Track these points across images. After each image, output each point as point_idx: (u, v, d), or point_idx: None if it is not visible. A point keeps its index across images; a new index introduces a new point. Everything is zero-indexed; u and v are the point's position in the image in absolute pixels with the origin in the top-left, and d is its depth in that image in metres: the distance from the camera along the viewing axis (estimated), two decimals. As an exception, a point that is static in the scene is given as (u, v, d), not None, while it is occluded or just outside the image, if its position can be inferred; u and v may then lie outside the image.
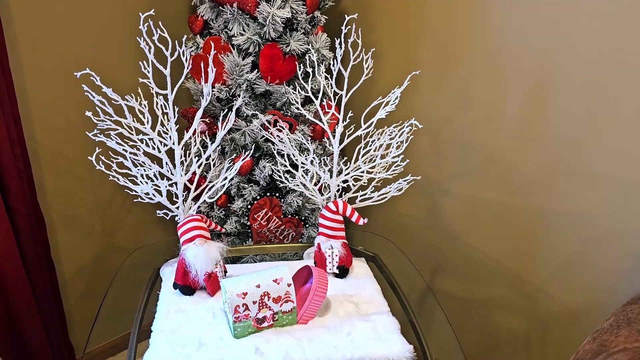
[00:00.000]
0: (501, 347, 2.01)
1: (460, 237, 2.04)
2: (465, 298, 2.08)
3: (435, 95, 1.87)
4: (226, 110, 1.78)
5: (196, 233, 1.42)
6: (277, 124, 1.80)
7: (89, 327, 1.53)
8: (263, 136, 1.79)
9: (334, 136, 1.53)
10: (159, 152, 1.40)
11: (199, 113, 1.46)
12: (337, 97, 1.52)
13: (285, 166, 1.60)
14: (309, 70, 1.67)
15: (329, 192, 1.57)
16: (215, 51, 1.72)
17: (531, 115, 1.66)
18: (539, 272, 1.83)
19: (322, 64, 1.78)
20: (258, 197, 1.88)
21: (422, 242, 2.18)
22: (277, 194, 1.91)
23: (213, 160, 1.57)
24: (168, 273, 1.55)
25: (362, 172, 1.56)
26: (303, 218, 1.97)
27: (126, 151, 1.37)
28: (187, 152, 1.52)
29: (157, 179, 1.44)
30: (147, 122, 1.39)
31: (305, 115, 1.72)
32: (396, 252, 1.86)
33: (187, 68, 1.38)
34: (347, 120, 1.51)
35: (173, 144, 1.45)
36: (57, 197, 1.95)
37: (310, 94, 1.54)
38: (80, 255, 2.09)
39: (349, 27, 1.44)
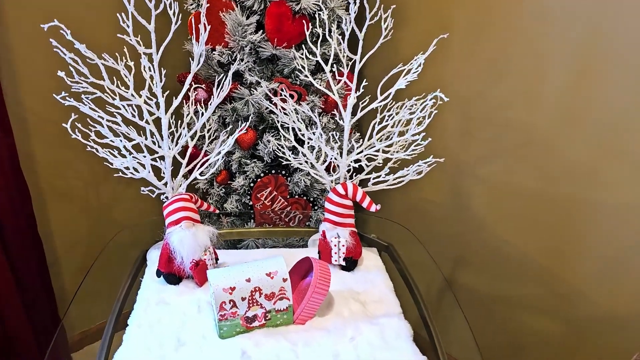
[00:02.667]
0: (528, 351, 1.81)
1: (488, 227, 1.83)
2: (489, 295, 1.88)
3: (465, 65, 1.64)
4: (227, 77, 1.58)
5: (183, 215, 1.24)
6: (282, 93, 1.60)
7: (84, 305, 1.39)
8: (268, 106, 1.59)
9: (345, 108, 1.32)
10: (142, 119, 1.22)
11: (190, 76, 1.26)
12: (350, 64, 1.31)
13: (290, 141, 1.41)
14: (321, 32, 1.46)
15: (338, 172, 1.37)
16: (213, 7, 1.52)
17: (577, 91, 1.42)
18: (578, 271, 1.62)
19: (336, 25, 1.56)
20: (262, 175, 1.69)
21: (444, 232, 1.97)
22: (283, 172, 1.72)
23: (214, 130, 1.39)
24: (154, 257, 1.38)
25: (377, 151, 1.35)
26: (311, 199, 1.78)
27: (102, 118, 1.19)
28: (181, 122, 1.34)
29: (144, 152, 1.26)
30: (131, 86, 1.21)
31: (315, 85, 1.51)
32: (413, 242, 1.66)
33: (175, 24, 1.19)
34: (361, 91, 1.30)
35: (160, 111, 1.26)
36: (48, 168, 1.81)
37: (320, 59, 1.33)
38: (73, 230, 1.95)
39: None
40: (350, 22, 1.22)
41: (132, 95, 1.21)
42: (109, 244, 1.50)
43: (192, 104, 1.36)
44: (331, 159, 1.35)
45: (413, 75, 1.26)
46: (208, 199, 1.74)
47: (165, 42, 1.20)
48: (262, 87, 1.56)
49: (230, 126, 1.64)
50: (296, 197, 1.76)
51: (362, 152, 1.36)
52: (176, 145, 1.33)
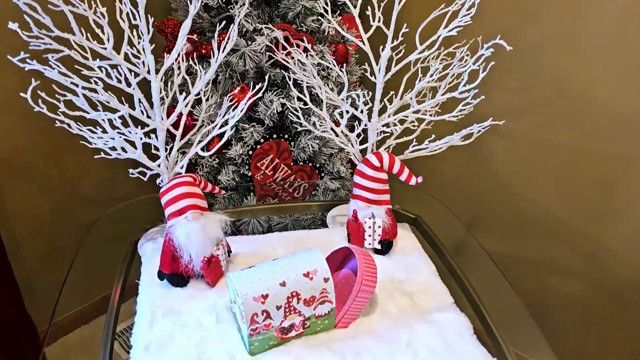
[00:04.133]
0: (553, 314, 1.70)
1: (512, 186, 1.66)
2: (510, 256, 1.74)
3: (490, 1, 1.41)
4: (222, 24, 1.29)
5: (188, 203, 1.00)
6: (289, 42, 1.33)
7: (54, 294, 1.14)
8: (270, 59, 1.32)
9: (368, 60, 1.08)
10: (129, 86, 0.94)
11: (186, 24, 0.98)
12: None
13: (305, 103, 1.16)
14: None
15: (364, 140, 1.15)
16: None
17: (623, 34, 1.23)
18: (613, 231, 1.49)
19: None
20: (262, 141, 1.44)
21: (459, 190, 1.80)
22: (287, 136, 1.47)
23: (205, 93, 1.12)
24: (149, 252, 1.14)
25: (417, 112, 1.12)
26: (318, 166, 1.55)
27: (77, 85, 0.90)
28: (169, 83, 1.07)
29: (130, 126, 0.99)
30: (109, 40, 0.92)
31: (325, 31, 1.24)
32: (433, 206, 1.48)
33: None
34: (400, 39, 1.06)
35: (148, 72, 0.98)
36: (-2, 141, 1.49)
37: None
38: (35, 211, 1.66)
39: None
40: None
41: (111, 52, 0.93)
42: (88, 236, 1.23)
43: (183, 60, 1.08)
44: (362, 125, 1.12)
45: (466, 18, 1.02)
46: (198, 171, 1.48)
47: (153, -20, 0.90)
48: (263, 36, 1.29)
49: (232, 86, 1.37)
50: (300, 164, 1.52)
51: (395, 114, 1.14)
52: (168, 115, 1.06)
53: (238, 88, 1.35)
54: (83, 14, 0.87)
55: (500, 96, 1.55)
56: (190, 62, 1.14)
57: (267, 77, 1.32)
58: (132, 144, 0.99)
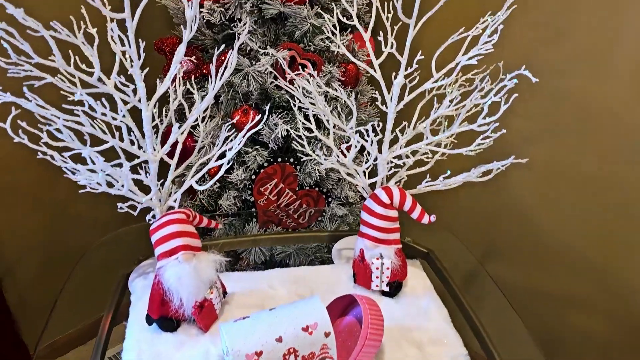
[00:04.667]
0: (572, 352, 1.59)
1: (531, 215, 1.56)
2: (526, 288, 1.64)
3: (514, 19, 1.31)
4: (222, 45, 1.21)
5: (179, 243, 0.91)
6: (295, 62, 1.25)
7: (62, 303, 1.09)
8: (275, 79, 1.24)
9: (384, 86, 0.99)
10: (114, 119, 0.86)
11: (182, 48, 0.90)
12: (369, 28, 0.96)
13: (311, 130, 1.07)
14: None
15: (373, 171, 1.06)
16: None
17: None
18: (637, 267, 1.38)
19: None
20: (266, 165, 1.36)
21: (475, 217, 1.70)
22: (292, 160, 1.39)
23: (202, 119, 1.04)
24: (140, 289, 1.06)
25: (427, 144, 1.03)
26: (325, 191, 1.46)
27: (58, 117, 0.83)
28: (164, 107, 0.99)
29: (120, 156, 0.91)
30: (96, 66, 0.84)
31: (335, 52, 1.15)
32: (446, 238, 1.39)
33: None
34: (414, 67, 0.97)
35: (139, 100, 0.90)
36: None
37: (355, 18, 0.98)
38: (25, 233, 1.59)
39: None
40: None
41: (100, 79, 0.85)
42: (76, 267, 1.16)
43: (180, 85, 1.00)
44: (372, 158, 1.03)
45: (487, 46, 0.92)
46: (197, 195, 1.41)
47: (143, 3, 0.82)
48: (267, 56, 1.20)
49: (225, 105, 1.29)
50: (307, 188, 1.44)
51: (407, 145, 1.05)
52: (162, 142, 0.98)
53: (241, 110, 1.27)
54: (66, 39, 0.79)
55: (520, 120, 1.45)
56: (188, 86, 1.05)
57: (272, 100, 1.25)
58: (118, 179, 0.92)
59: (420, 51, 0.94)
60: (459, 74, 1.00)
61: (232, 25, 1.20)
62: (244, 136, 0.98)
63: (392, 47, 0.95)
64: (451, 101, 0.97)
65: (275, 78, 1.26)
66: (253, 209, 1.41)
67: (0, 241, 1.52)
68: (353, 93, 1.38)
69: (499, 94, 0.93)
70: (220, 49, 0.94)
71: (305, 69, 1.25)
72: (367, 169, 1.04)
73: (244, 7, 1.15)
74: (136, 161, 0.94)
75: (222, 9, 1.19)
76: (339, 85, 1.33)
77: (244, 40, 1.21)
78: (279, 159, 1.38)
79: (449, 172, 1.02)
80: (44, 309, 1.55)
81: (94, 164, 0.85)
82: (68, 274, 1.17)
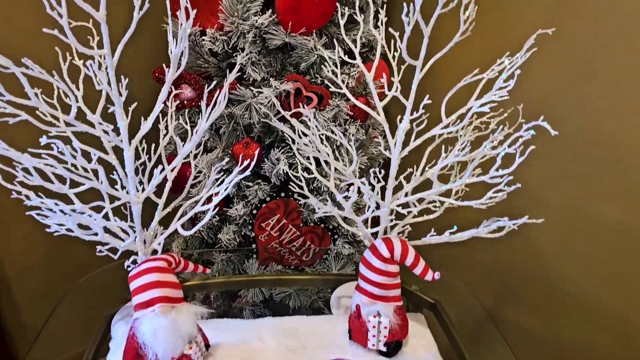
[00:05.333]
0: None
1: (547, 260, 1.45)
2: (541, 337, 1.52)
3: (537, 55, 1.22)
4: (226, 73, 1.16)
5: (157, 294, 0.85)
6: (301, 95, 1.18)
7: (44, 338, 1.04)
8: (278, 113, 1.17)
9: (390, 131, 0.91)
10: (90, 161, 0.81)
11: (164, 90, 0.84)
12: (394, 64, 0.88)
13: (309, 171, 0.99)
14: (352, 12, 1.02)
15: (370, 217, 0.97)
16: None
17: None
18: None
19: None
20: (268, 199, 1.29)
21: (488, 259, 1.59)
22: (295, 195, 1.31)
23: (195, 156, 0.97)
24: (120, 335, 1.00)
25: (433, 193, 0.94)
26: (331, 227, 1.38)
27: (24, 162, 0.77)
28: (155, 146, 0.93)
29: (106, 199, 0.85)
30: (73, 105, 0.79)
31: (345, 82, 1.07)
32: (455, 287, 1.29)
33: (140, 9, 0.75)
34: (420, 112, 0.88)
35: (121, 141, 0.84)
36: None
37: (357, 55, 0.90)
38: (26, 253, 1.56)
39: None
40: (414, 11, 0.78)
41: (74, 120, 0.79)
42: (62, 301, 1.11)
43: (172, 119, 0.94)
44: (371, 204, 0.95)
45: (502, 92, 0.83)
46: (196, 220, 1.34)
47: (126, 38, 0.77)
48: (270, 88, 1.14)
49: (226, 137, 1.23)
50: (311, 225, 1.36)
51: (411, 193, 0.96)
52: (148, 181, 0.92)
53: (242, 143, 1.20)
54: (39, 77, 0.74)
55: (540, 161, 1.34)
56: (180, 121, 0.99)
57: (275, 133, 1.18)
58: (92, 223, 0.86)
59: (427, 95, 0.86)
60: (473, 117, 0.91)
61: (234, 54, 1.14)
62: (230, 181, 0.90)
63: (397, 90, 0.87)
64: (461, 149, 0.88)
65: (279, 111, 1.19)
66: (253, 245, 1.34)
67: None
68: (363, 127, 1.30)
69: (514, 145, 0.84)
70: (212, 85, 0.88)
71: (310, 102, 1.18)
72: (368, 217, 0.96)
73: (246, 36, 1.09)
74: (117, 203, 0.88)
75: (225, 38, 1.12)
76: (349, 119, 1.25)
77: (247, 70, 1.14)
78: (282, 194, 1.30)
79: (455, 228, 0.92)
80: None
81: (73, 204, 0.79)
82: (52, 310, 1.12)
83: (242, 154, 1.20)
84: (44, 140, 0.72)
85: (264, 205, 1.29)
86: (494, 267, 1.57)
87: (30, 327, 1.66)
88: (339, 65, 0.93)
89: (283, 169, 1.21)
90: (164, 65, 1.16)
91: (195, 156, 0.99)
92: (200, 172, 1.24)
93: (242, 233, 1.32)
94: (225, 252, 1.32)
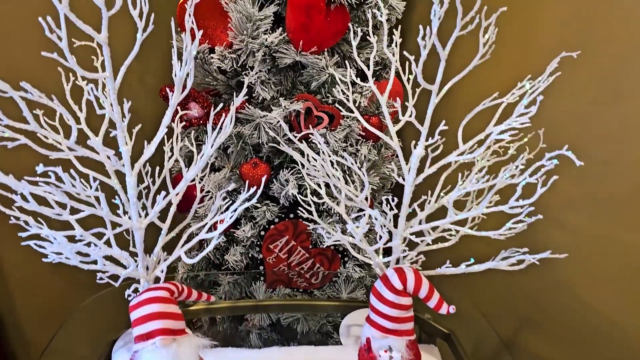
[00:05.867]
0: None
1: (571, 287, 1.39)
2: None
3: (566, 77, 1.17)
4: (237, 93, 1.13)
5: (158, 326, 0.81)
6: (311, 114, 1.14)
7: None
8: (286, 134, 1.14)
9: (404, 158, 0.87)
10: (90, 186, 0.77)
11: (168, 113, 0.81)
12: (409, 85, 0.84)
13: (318, 195, 0.96)
14: (364, 30, 0.99)
15: (383, 247, 0.93)
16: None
17: None
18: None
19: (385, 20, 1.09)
20: (276, 221, 1.25)
21: (507, 284, 1.53)
22: (305, 216, 1.27)
23: (200, 179, 0.94)
24: (121, 365, 0.96)
25: (448, 222, 0.90)
26: (341, 249, 1.34)
27: (20, 189, 0.74)
28: (159, 169, 0.90)
29: (107, 226, 0.82)
30: (74, 130, 0.76)
31: (356, 102, 1.03)
32: (471, 315, 1.24)
33: (143, 31, 0.72)
34: (436, 138, 0.84)
35: (123, 165, 0.81)
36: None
37: (368, 74, 0.86)
38: (31, 269, 1.53)
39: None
40: (431, 34, 0.75)
41: (74, 144, 0.76)
42: (64, 325, 1.08)
43: (177, 141, 0.91)
44: (383, 232, 0.90)
45: (524, 119, 0.79)
46: (204, 247, 1.31)
47: (128, 60, 0.74)
48: (280, 107, 1.10)
49: (235, 156, 1.19)
50: (321, 247, 1.32)
51: (425, 221, 0.91)
52: (152, 205, 0.88)
53: (250, 163, 1.17)
54: (38, 101, 0.71)
55: (565, 182, 1.29)
56: (186, 142, 0.96)
57: (284, 154, 1.15)
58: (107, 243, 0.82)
59: (444, 121, 0.81)
60: (492, 142, 0.86)
61: (243, 72, 1.11)
62: (235, 210, 0.87)
63: (411, 115, 0.83)
64: (478, 179, 0.83)
65: (290, 130, 1.15)
66: (261, 267, 1.30)
67: (4, 277, 1.47)
68: (375, 147, 1.26)
69: (536, 175, 0.79)
70: (218, 108, 0.84)
71: (321, 122, 1.14)
72: (380, 247, 0.91)
73: (256, 55, 1.05)
74: (119, 229, 0.85)
75: (234, 57, 1.09)
76: (361, 139, 1.21)
77: (256, 89, 1.11)
78: (291, 215, 1.26)
79: (472, 260, 0.88)
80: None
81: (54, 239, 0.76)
82: (55, 331, 1.09)
83: (251, 175, 1.17)
84: (40, 168, 0.69)
85: (272, 226, 1.26)
86: (512, 294, 1.51)
87: (34, 344, 1.63)
88: (350, 86, 0.90)
89: (291, 193, 1.17)
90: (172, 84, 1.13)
91: (202, 178, 0.96)
92: (207, 192, 1.21)
93: (250, 255, 1.28)
94: (232, 275, 1.28)
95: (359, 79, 0.89)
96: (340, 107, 0.95)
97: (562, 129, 1.15)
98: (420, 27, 0.73)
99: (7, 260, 1.47)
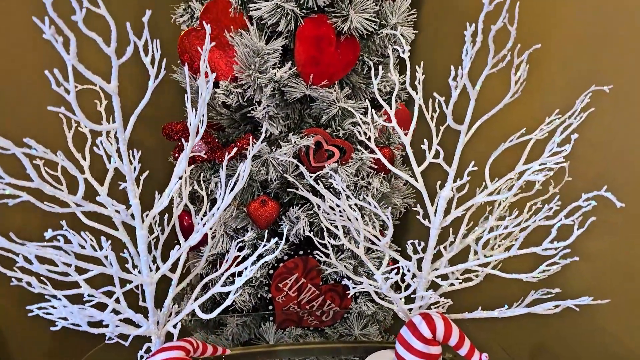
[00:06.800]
0: None
1: (593, 318, 1.35)
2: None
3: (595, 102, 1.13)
4: (242, 127, 1.08)
5: (175, 391, 0.75)
6: (321, 148, 1.10)
7: None
8: (296, 168, 1.09)
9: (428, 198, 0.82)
10: (99, 247, 0.72)
11: (186, 154, 0.75)
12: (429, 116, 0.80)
13: (335, 236, 0.91)
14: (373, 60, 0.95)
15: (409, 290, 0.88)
16: (216, 21, 1.00)
17: None
18: None
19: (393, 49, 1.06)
20: (285, 258, 1.20)
21: (536, 327, 1.49)
22: (315, 252, 1.22)
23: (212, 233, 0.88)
24: None
25: (476, 263, 0.85)
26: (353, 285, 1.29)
27: (16, 255, 0.68)
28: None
29: (116, 283, 0.76)
30: (81, 186, 0.70)
31: (367, 136, 0.98)
32: (492, 350, 1.19)
33: (156, 78, 0.67)
34: (465, 179, 0.80)
35: (132, 217, 0.75)
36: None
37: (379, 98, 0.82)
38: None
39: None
40: (462, 75, 0.70)
41: (81, 200, 0.70)
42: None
43: (185, 186, 0.85)
44: (408, 277, 0.86)
45: (558, 158, 0.75)
46: (209, 285, 1.24)
47: (139, 109, 0.68)
48: (288, 143, 1.05)
49: (241, 193, 1.14)
50: (331, 282, 1.27)
51: (454, 262, 0.87)
52: (161, 256, 0.83)
53: (259, 200, 1.12)
54: (43, 156, 0.65)
55: (597, 229, 1.25)
56: (195, 186, 0.91)
57: (293, 191, 1.10)
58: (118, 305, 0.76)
59: (473, 162, 0.77)
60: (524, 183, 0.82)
61: (250, 108, 1.06)
62: (253, 263, 0.82)
63: (438, 156, 0.79)
64: (502, 216, 0.79)
65: (298, 165, 1.10)
66: (270, 307, 1.25)
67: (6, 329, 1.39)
68: (386, 179, 1.21)
69: (572, 217, 0.75)
70: (232, 154, 0.79)
71: (331, 156, 1.10)
72: (407, 294, 0.87)
73: (264, 90, 1.00)
74: (129, 286, 0.79)
75: (240, 90, 1.04)
76: (372, 171, 1.17)
77: (264, 124, 1.06)
78: (301, 252, 1.21)
79: (506, 307, 0.83)
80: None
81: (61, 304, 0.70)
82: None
83: (259, 214, 1.12)
84: (49, 234, 0.63)
85: (281, 264, 1.20)
86: (543, 338, 1.47)
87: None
88: (371, 125, 0.85)
89: (303, 228, 1.12)
90: (184, 121, 1.08)
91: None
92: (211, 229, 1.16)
93: (259, 295, 1.22)
94: (240, 316, 1.22)
95: (373, 110, 0.85)
96: (356, 141, 0.90)
97: (591, 164, 1.09)
98: (452, 67, 0.69)
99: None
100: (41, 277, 0.75)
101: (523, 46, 0.71)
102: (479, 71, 0.73)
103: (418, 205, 0.82)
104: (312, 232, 1.10)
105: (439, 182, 0.82)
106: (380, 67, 0.82)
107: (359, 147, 1.15)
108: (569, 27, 1.08)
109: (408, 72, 0.81)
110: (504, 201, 0.86)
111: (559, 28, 1.09)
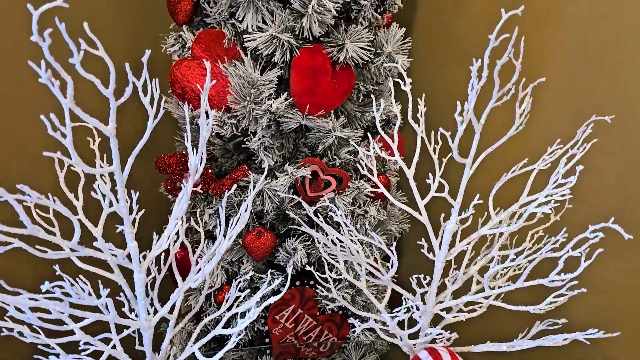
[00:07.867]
0: None
1: (598, 346, 1.33)
2: None
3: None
4: (235, 156, 1.06)
5: None
6: (317, 178, 1.08)
7: None
8: (292, 199, 1.07)
9: (433, 231, 0.81)
10: (96, 296, 0.69)
11: (187, 193, 0.73)
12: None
13: (337, 271, 0.89)
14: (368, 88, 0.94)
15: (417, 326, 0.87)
16: (208, 50, 0.99)
17: None
18: None
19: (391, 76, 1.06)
20: (282, 289, 1.17)
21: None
22: (312, 282, 1.20)
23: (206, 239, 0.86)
24: None
25: (481, 296, 0.84)
26: (350, 313, 1.26)
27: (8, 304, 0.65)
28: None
29: (112, 330, 0.73)
30: (77, 231, 0.67)
31: (362, 162, 0.97)
32: None
33: (155, 118, 0.65)
34: (471, 212, 0.78)
35: (130, 259, 0.73)
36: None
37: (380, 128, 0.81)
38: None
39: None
40: (467, 110, 0.70)
41: (77, 245, 0.67)
42: None
43: (182, 224, 0.82)
44: (412, 306, 0.84)
45: (565, 189, 0.75)
46: (202, 318, 1.21)
47: (137, 149, 0.66)
48: (284, 173, 1.04)
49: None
50: (329, 313, 1.24)
51: (459, 295, 0.86)
52: (158, 297, 0.80)
53: (254, 232, 1.09)
54: (37, 202, 0.62)
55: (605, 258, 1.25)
56: (192, 222, 0.88)
57: (290, 221, 1.08)
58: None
59: (478, 195, 0.76)
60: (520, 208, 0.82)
61: (245, 139, 1.04)
62: (256, 306, 0.79)
63: (444, 190, 0.78)
64: (503, 246, 0.78)
65: (295, 195, 1.08)
66: (267, 340, 1.22)
67: None
68: (382, 206, 1.20)
69: (579, 249, 0.74)
70: (231, 190, 0.77)
71: (328, 185, 1.08)
72: (413, 331, 0.85)
73: (259, 122, 0.99)
74: (126, 332, 0.76)
75: (234, 121, 1.02)
76: (368, 200, 1.16)
77: (259, 155, 1.04)
78: (297, 282, 1.19)
79: (515, 341, 0.82)
80: None
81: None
82: None
83: (255, 246, 1.09)
84: (46, 286, 0.60)
85: (277, 296, 1.17)
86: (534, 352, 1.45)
87: None
88: (373, 158, 0.84)
89: (301, 259, 1.10)
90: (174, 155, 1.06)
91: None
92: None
93: (255, 328, 1.19)
94: (237, 350, 1.19)
95: (367, 140, 0.84)
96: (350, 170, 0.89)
97: (595, 195, 1.06)
98: (458, 103, 0.69)
99: None
100: (33, 326, 0.72)
101: (521, 77, 0.70)
102: (480, 104, 0.72)
103: (422, 239, 0.81)
104: (311, 265, 1.08)
105: (442, 215, 0.81)
106: (373, 96, 0.81)
107: (353, 175, 1.14)
108: (565, 56, 1.08)
109: (410, 105, 0.80)
110: (504, 226, 0.85)
111: (555, 58, 1.10)
